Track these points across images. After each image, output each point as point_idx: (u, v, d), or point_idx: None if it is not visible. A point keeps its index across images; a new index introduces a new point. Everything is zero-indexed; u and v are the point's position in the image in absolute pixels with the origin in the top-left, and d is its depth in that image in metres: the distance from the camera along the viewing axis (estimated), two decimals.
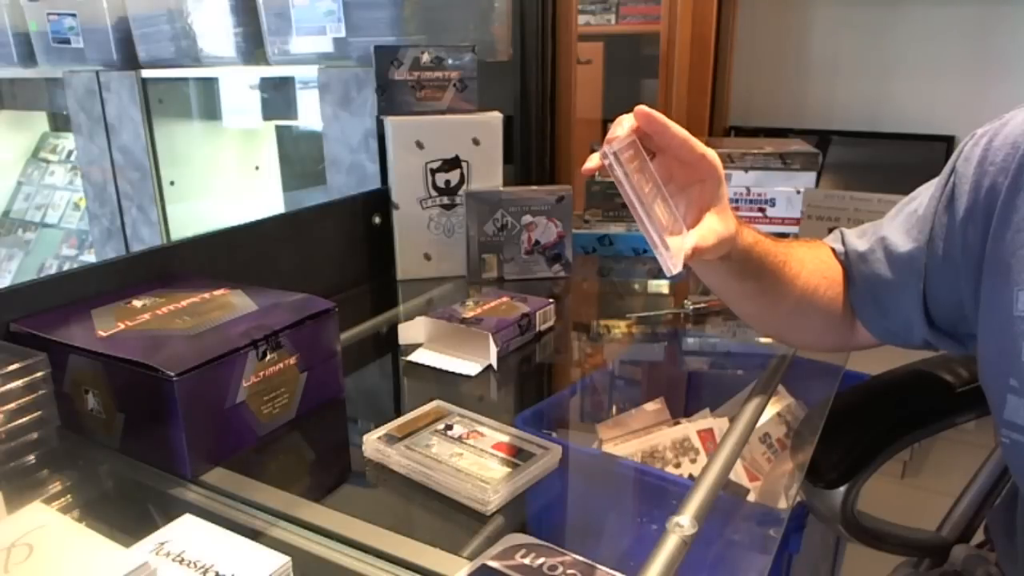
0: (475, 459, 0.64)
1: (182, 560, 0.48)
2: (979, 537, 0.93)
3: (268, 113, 1.87)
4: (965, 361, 0.87)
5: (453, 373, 0.85)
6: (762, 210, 1.20)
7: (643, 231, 0.56)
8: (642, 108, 0.58)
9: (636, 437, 0.82)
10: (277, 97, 1.82)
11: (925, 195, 0.69)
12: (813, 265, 0.73)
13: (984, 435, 0.90)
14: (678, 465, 0.79)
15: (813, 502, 0.85)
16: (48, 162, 2.81)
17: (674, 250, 0.57)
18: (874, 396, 0.90)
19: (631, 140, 0.58)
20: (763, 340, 0.94)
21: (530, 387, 0.91)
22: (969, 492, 0.95)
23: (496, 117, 1.16)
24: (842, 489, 0.82)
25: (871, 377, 0.91)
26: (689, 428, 0.81)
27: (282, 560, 0.48)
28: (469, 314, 0.92)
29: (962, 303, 0.66)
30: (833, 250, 0.76)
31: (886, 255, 0.70)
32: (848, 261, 0.74)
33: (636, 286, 1.21)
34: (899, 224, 0.70)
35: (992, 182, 0.61)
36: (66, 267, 2.53)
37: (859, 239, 0.74)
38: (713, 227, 0.61)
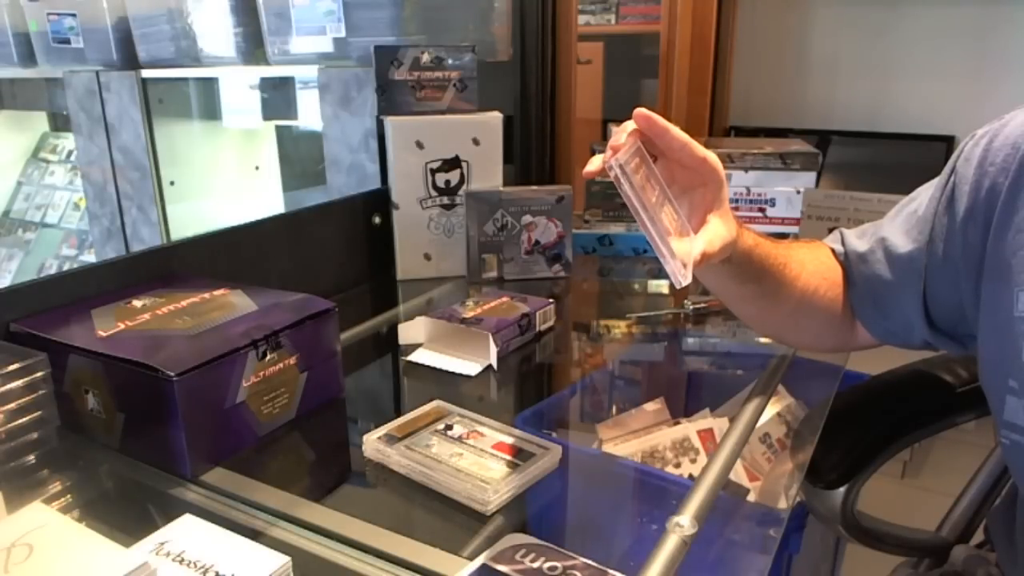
0: (475, 459, 0.64)
1: (182, 560, 0.48)
2: (979, 537, 0.93)
3: (268, 113, 1.87)
4: (965, 361, 0.87)
5: (453, 373, 0.85)
6: (762, 210, 1.20)
7: (651, 243, 0.55)
8: (642, 111, 0.58)
9: (636, 437, 0.82)
10: (277, 97, 1.82)
11: (925, 195, 0.69)
12: (813, 266, 0.73)
13: (984, 435, 0.90)
14: (678, 465, 0.79)
15: (813, 503, 0.85)
16: (48, 162, 2.81)
17: (681, 255, 0.57)
18: (874, 396, 0.90)
19: (635, 147, 0.58)
20: (763, 340, 0.94)
21: (530, 387, 0.91)
22: (969, 492, 0.95)
23: (496, 117, 1.16)
24: (842, 490, 0.82)
25: (871, 377, 0.91)
26: (689, 428, 0.81)
27: (282, 560, 0.48)
28: (469, 314, 0.92)
29: (962, 304, 0.66)
30: (833, 251, 0.76)
31: (886, 256, 0.70)
32: (848, 262, 0.74)
33: (636, 286, 1.21)
34: (899, 225, 0.70)
35: (992, 183, 0.61)
36: (66, 267, 2.53)
37: (859, 240, 0.74)
38: (718, 231, 0.61)
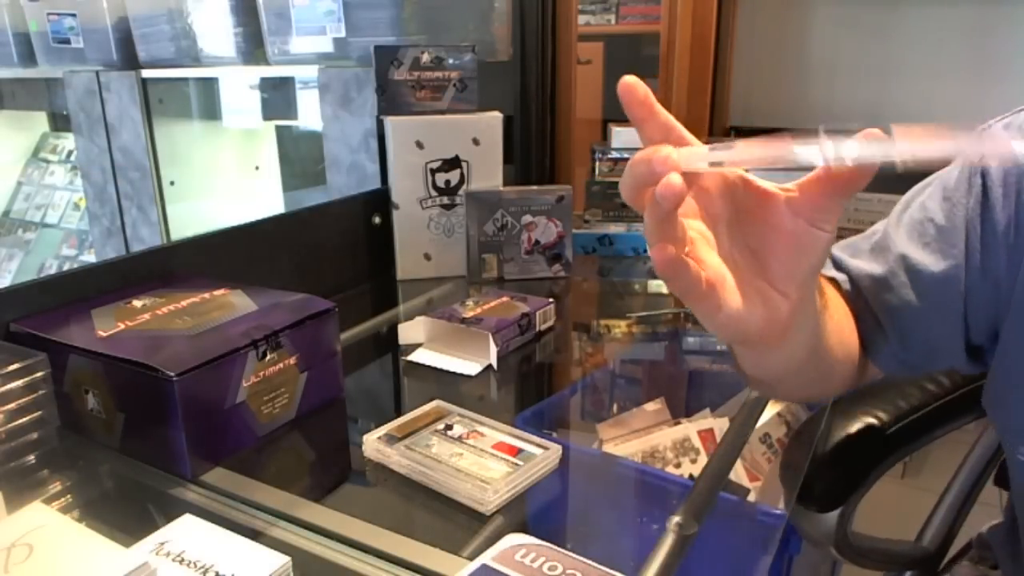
0: (475, 459, 0.64)
1: (182, 560, 0.48)
2: (958, 545, 0.92)
3: (268, 113, 1.86)
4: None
5: (453, 373, 0.85)
6: None
7: None
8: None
9: (636, 437, 0.82)
10: (277, 97, 1.82)
11: (932, 202, 0.60)
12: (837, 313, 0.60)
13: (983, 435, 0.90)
14: (678, 465, 0.79)
15: (803, 525, 0.82)
16: (48, 162, 2.81)
17: None
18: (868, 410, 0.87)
19: None
20: None
21: (530, 387, 0.91)
22: (945, 501, 0.93)
23: (496, 117, 1.16)
24: (835, 513, 0.80)
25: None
26: (689, 428, 0.81)
27: (282, 560, 0.48)
28: (469, 314, 0.92)
29: (998, 319, 0.57)
30: (834, 281, 0.63)
31: (911, 278, 0.59)
32: (860, 291, 0.62)
33: (636, 286, 1.21)
34: (910, 237, 0.60)
35: None
36: (66, 267, 2.53)
37: (867, 262, 0.62)
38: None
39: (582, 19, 2.29)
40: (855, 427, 0.83)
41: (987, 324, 0.59)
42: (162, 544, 0.50)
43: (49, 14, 1.86)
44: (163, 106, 1.82)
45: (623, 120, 0.59)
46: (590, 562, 0.51)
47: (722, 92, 2.38)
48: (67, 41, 1.86)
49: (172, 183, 1.86)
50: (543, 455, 0.64)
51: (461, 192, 1.15)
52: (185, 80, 1.86)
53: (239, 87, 1.88)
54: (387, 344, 0.98)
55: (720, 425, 0.80)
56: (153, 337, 0.67)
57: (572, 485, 0.67)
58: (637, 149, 0.43)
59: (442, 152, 1.13)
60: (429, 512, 0.61)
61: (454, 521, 0.59)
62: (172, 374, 0.60)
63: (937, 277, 0.58)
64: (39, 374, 0.63)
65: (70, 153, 2.71)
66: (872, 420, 0.83)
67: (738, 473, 0.75)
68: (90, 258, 2.44)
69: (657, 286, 1.18)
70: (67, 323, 0.70)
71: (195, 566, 0.47)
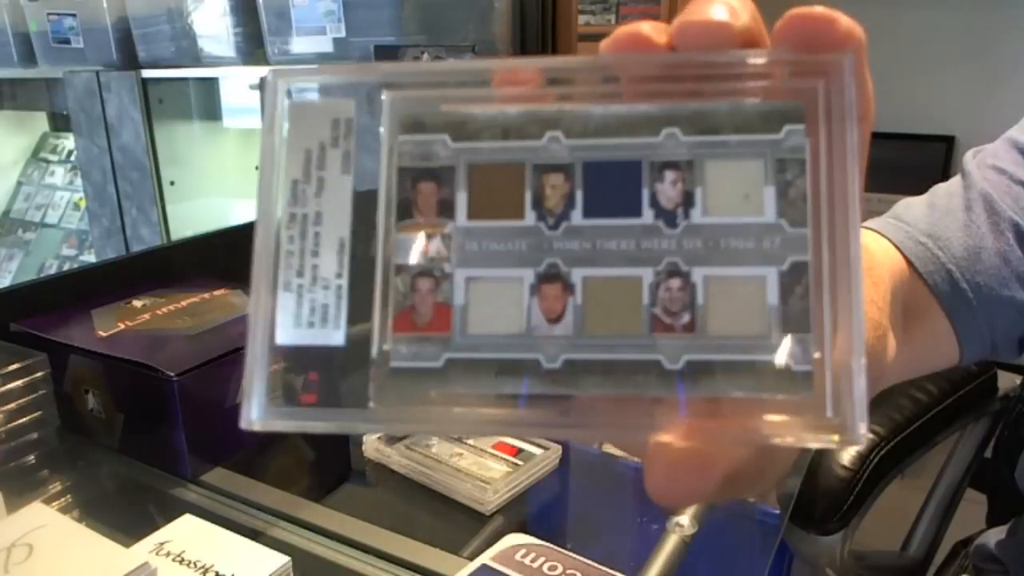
0: (475, 459, 0.64)
1: (182, 560, 0.48)
2: (942, 554, 0.92)
3: None
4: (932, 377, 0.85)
5: None
6: None
7: None
8: None
9: None
10: None
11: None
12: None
13: None
14: None
15: (801, 547, 0.81)
16: (48, 162, 2.81)
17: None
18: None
19: None
20: None
21: None
22: (929, 509, 0.92)
23: None
24: (838, 535, 0.79)
25: None
26: None
27: (282, 560, 0.48)
28: None
29: None
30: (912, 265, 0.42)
31: None
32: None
33: None
34: None
35: None
36: (66, 267, 2.53)
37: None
38: None
39: (582, 19, 2.29)
40: (855, 446, 0.82)
41: None
42: (162, 544, 0.50)
43: (49, 14, 1.86)
44: (163, 106, 1.82)
45: None
46: (590, 562, 0.51)
47: None
48: (67, 41, 1.86)
49: (172, 183, 1.86)
50: (543, 455, 0.64)
51: None
52: (185, 80, 1.86)
53: (239, 87, 1.88)
54: None
55: None
56: (153, 337, 0.67)
57: (572, 485, 0.67)
58: None
59: None
60: (429, 512, 0.61)
61: (454, 521, 0.59)
62: (172, 374, 0.60)
63: None
64: (39, 374, 0.63)
65: (70, 153, 2.71)
66: (871, 436, 0.83)
67: None
68: (90, 258, 2.43)
69: None
70: (67, 323, 0.70)
71: (195, 566, 0.47)
